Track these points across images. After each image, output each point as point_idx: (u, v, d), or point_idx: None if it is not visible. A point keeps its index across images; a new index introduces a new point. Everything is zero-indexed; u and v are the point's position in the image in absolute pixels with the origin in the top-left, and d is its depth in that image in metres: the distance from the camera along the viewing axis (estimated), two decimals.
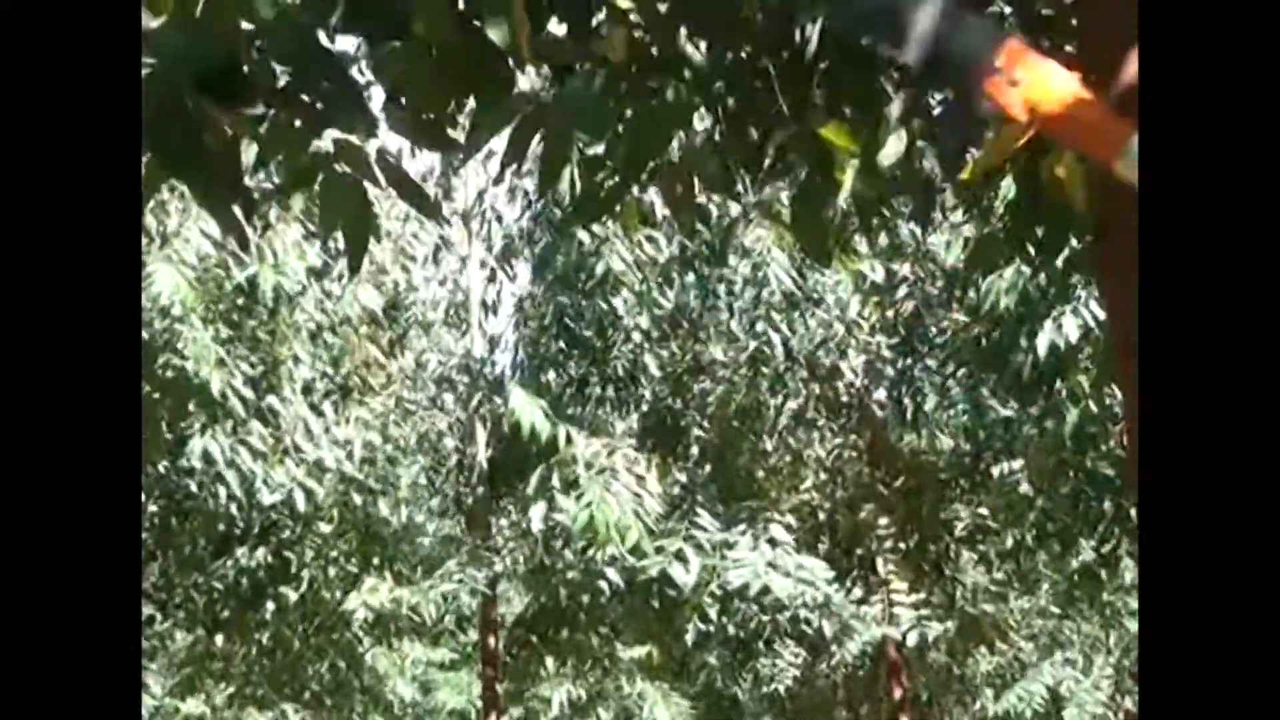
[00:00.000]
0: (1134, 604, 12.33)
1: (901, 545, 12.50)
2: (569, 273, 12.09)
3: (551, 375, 12.45)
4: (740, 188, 4.53)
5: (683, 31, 3.88)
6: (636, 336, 12.18)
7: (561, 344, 12.49)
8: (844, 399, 12.41)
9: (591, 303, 12.12)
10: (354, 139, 3.47)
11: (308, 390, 11.49)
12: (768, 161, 4.25)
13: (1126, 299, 2.99)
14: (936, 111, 4.06)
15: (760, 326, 11.69)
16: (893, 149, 4.01)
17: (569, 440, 10.96)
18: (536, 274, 12.84)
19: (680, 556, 10.96)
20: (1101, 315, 9.27)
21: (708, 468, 12.34)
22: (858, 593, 12.48)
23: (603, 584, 11.32)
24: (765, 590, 11.04)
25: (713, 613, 11.62)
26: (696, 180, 4.19)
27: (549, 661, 13.64)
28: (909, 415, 12.29)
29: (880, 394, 12.46)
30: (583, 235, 11.61)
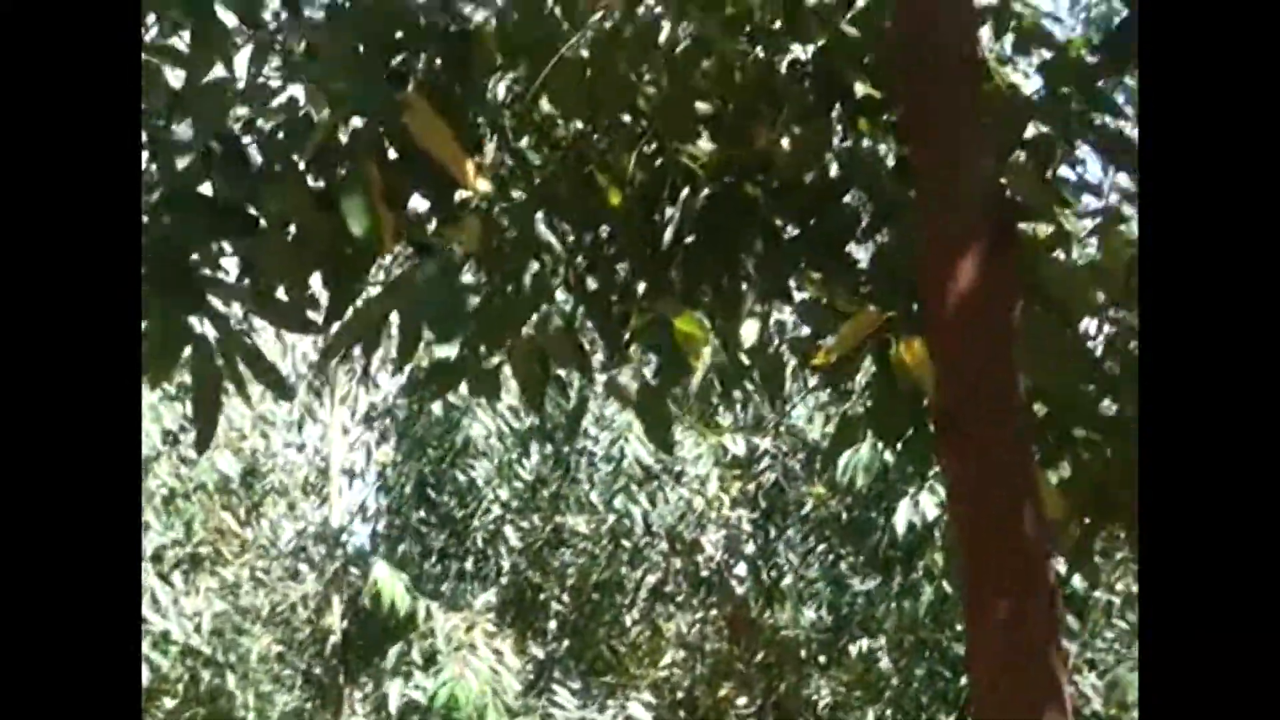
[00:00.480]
0: None
1: None
2: (430, 441, 12.01)
3: (412, 546, 12.28)
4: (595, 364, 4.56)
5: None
6: (496, 508, 12.10)
7: (422, 514, 12.36)
8: (704, 573, 12.37)
9: (452, 472, 12.04)
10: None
11: (157, 559, 11.21)
12: (624, 342, 4.30)
13: (967, 485, 3.07)
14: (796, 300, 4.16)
15: (619, 500, 11.67)
16: (749, 331, 4.10)
17: (429, 615, 10.80)
18: (399, 442, 12.73)
19: None
20: None
21: (566, 642, 12.20)
22: None
23: None
24: None
25: None
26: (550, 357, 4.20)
27: None
28: (769, 590, 12.29)
29: (741, 568, 12.45)
30: (437, 406, 11.54)
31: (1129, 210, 4.21)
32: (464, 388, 4.13)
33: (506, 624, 11.63)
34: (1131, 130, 4.00)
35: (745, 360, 4.12)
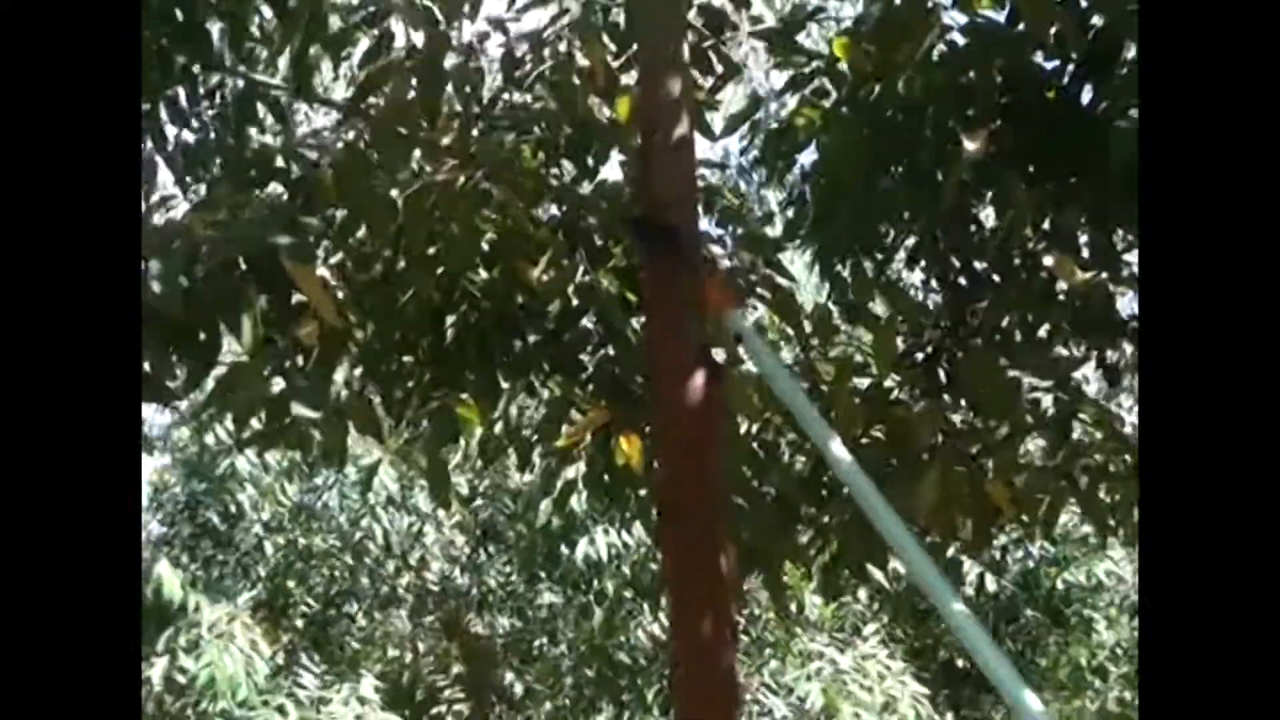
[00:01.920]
0: None
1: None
2: (201, 467, 11.83)
3: (183, 553, 11.98)
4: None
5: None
6: (259, 528, 11.97)
7: (191, 528, 12.10)
8: (430, 586, 12.48)
9: (221, 494, 11.84)
10: None
11: None
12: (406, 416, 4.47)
13: (679, 551, 3.33)
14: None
15: (366, 521, 11.72)
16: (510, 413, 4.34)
17: (198, 607, 10.58)
18: (174, 464, 12.45)
19: (281, 710, 10.61)
20: (628, 538, 9.91)
21: (311, 637, 12.09)
22: None
23: None
24: None
25: None
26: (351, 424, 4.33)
27: None
28: (478, 601, 12.46)
29: (459, 582, 12.57)
30: (210, 439, 11.35)
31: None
32: None
33: (261, 619, 11.43)
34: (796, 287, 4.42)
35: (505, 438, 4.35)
